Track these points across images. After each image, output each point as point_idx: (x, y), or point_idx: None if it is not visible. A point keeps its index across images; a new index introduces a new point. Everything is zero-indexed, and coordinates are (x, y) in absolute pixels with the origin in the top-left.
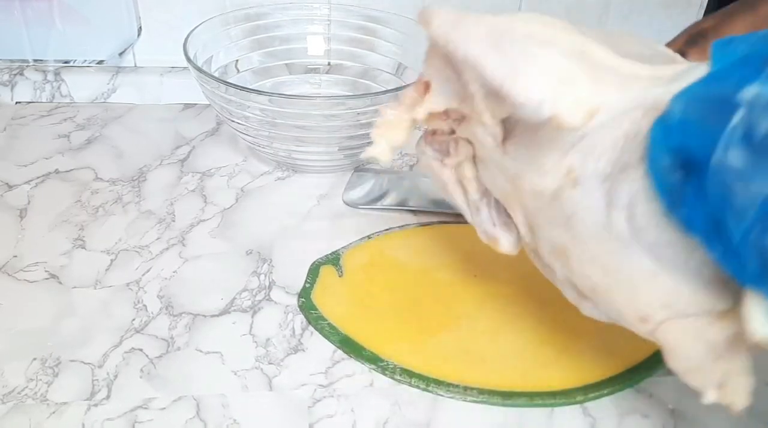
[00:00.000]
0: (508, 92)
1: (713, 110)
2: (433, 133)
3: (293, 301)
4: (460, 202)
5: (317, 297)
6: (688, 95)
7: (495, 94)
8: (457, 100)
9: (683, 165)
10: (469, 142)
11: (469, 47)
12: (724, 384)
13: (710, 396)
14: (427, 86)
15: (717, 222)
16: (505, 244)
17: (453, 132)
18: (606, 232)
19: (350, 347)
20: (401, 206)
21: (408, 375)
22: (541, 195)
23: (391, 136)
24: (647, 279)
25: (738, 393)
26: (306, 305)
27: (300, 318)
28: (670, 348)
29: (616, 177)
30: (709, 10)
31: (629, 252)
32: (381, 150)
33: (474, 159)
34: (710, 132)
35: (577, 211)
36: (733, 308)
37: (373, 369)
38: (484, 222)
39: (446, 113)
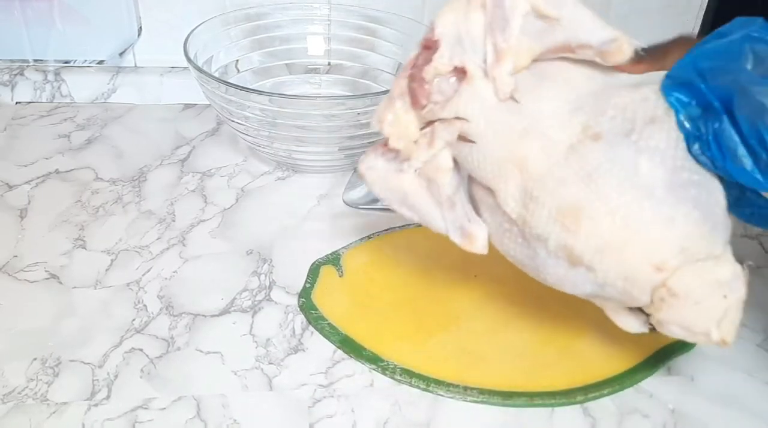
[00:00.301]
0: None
1: (725, 55)
2: (385, 144)
3: (293, 301)
4: (426, 206)
5: (317, 297)
6: (693, 54)
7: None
8: (463, 59)
9: (706, 110)
10: (457, 119)
11: None
12: (721, 321)
13: (714, 335)
14: (433, 45)
15: (743, 151)
16: (481, 240)
17: (426, 126)
18: (630, 182)
19: (350, 347)
20: None
21: (408, 375)
22: (554, 150)
23: (405, 132)
24: (666, 224)
25: (730, 329)
26: (306, 305)
27: (300, 318)
28: (683, 294)
29: (643, 128)
30: (709, 10)
31: (653, 198)
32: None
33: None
34: (727, 71)
35: (602, 163)
36: (725, 250)
37: (373, 369)
38: (459, 218)
39: (448, 73)
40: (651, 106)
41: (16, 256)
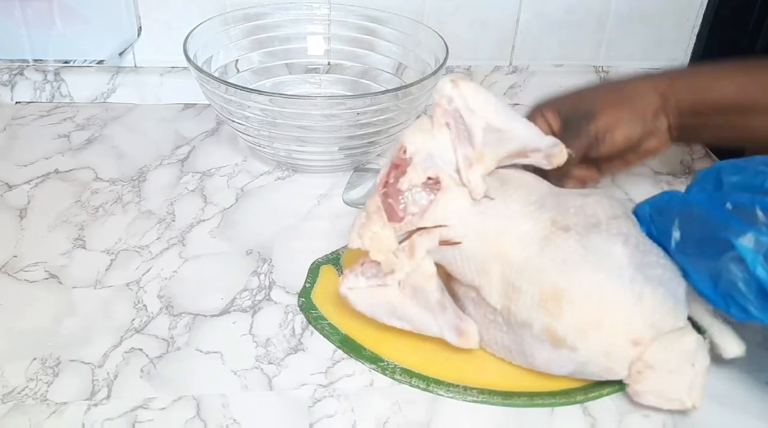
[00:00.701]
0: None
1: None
2: (363, 263)
3: (293, 301)
4: (417, 314)
5: (317, 297)
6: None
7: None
8: (436, 171)
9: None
10: (437, 227)
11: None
12: (691, 389)
13: (687, 402)
14: (404, 163)
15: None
16: (474, 335)
17: (405, 238)
18: (603, 264)
19: (350, 347)
20: None
21: (408, 375)
22: (530, 242)
23: (384, 245)
24: (637, 301)
25: (699, 395)
26: (306, 305)
27: (300, 318)
28: (658, 365)
29: (609, 221)
30: (709, 10)
31: (624, 278)
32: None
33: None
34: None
35: (576, 250)
36: (687, 323)
37: (373, 369)
38: (451, 319)
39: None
40: (609, 207)
41: (16, 256)
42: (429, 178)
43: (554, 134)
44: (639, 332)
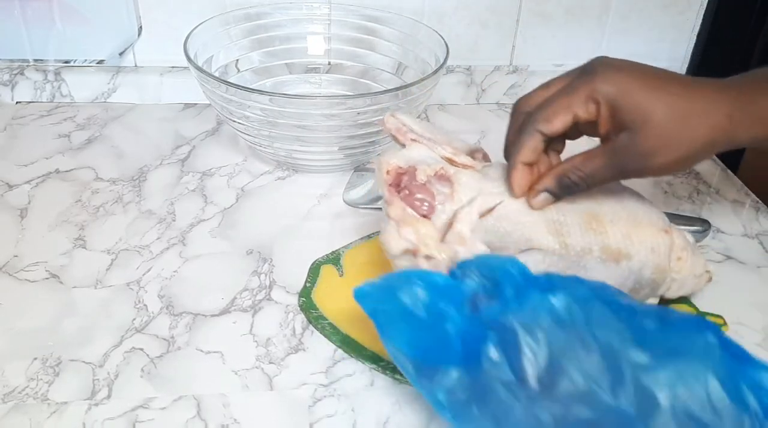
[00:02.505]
0: None
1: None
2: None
3: (294, 301)
4: None
5: (318, 296)
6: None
7: None
8: (433, 168)
9: None
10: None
11: None
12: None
13: (711, 271)
14: (405, 171)
15: None
16: None
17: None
18: (613, 190)
19: (351, 346)
20: None
21: None
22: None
23: (430, 238)
24: (649, 207)
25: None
26: (307, 304)
27: (300, 318)
28: (685, 246)
29: None
30: (709, 9)
31: (632, 196)
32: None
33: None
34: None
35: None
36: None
37: (374, 369)
38: None
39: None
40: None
41: (16, 256)
42: (436, 172)
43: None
44: (662, 223)
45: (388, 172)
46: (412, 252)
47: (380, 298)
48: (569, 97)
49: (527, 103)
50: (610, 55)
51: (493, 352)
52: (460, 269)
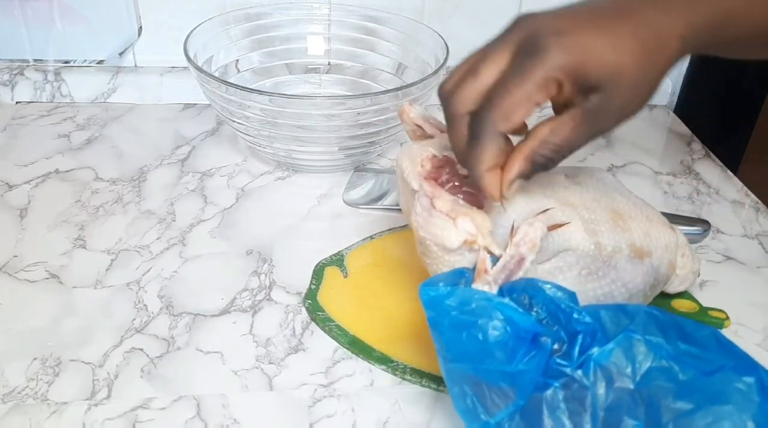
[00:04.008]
0: None
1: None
2: (485, 271)
3: (294, 301)
4: None
5: (323, 298)
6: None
7: None
8: None
9: None
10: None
11: None
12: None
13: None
14: (444, 163)
15: None
16: None
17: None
18: (620, 190)
19: (359, 348)
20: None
21: (419, 376)
22: (567, 184)
23: (486, 229)
24: (653, 208)
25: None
26: (313, 306)
27: (300, 318)
28: (687, 244)
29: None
30: None
31: (635, 197)
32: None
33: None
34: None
35: (601, 185)
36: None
37: (383, 370)
38: None
39: None
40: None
41: (16, 256)
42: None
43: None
44: (665, 220)
45: (422, 165)
46: (470, 245)
47: (445, 312)
48: (524, 85)
49: (462, 99)
50: None
51: (558, 405)
52: (523, 294)
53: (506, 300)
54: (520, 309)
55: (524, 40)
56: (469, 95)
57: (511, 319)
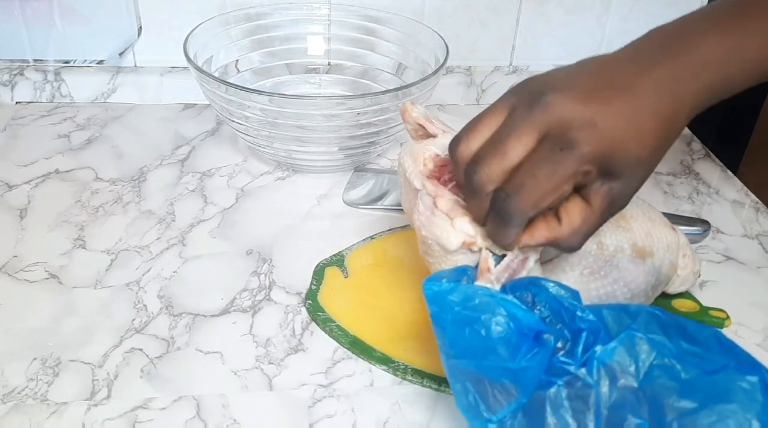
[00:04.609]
0: None
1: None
2: (486, 270)
3: (294, 301)
4: None
5: (324, 298)
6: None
7: None
8: None
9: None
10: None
11: None
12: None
13: (701, 269)
14: (446, 162)
15: None
16: None
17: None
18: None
19: (360, 348)
20: (401, 206)
21: (420, 376)
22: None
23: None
24: (654, 208)
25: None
26: (313, 307)
27: (300, 318)
28: (688, 245)
29: None
30: None
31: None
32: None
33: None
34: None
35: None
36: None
37: (384, 370)
38: None
39: None
40: None
41: (16, 256)
42: None
43: None
44: (667, 220)
45: (425, 164)
46: (469, 246)
47: (448, 307)
48: (554, 178)
49: (489, 177)
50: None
51: (562, 403)
52: (526, 292)
53: (509, 296)
54: (524, 307)
55: (553, 127)
56: (496, 173)
57: (515, 316)
